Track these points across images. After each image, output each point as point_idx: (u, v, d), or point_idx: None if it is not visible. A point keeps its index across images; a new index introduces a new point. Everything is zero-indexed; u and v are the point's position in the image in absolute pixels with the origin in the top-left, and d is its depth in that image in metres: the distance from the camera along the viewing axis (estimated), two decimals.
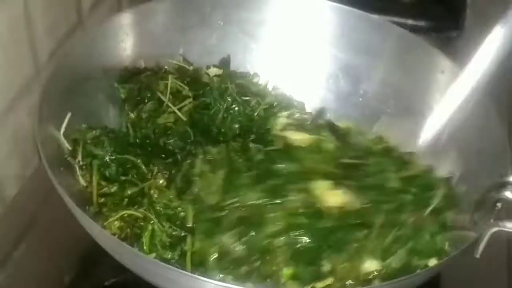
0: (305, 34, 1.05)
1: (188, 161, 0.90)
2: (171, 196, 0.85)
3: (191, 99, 0.97)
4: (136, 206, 0.84)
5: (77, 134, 0.89)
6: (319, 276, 0.79)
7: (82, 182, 0.87)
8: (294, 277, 0.80)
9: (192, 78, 1.00)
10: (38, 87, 0.91)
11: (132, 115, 0.95)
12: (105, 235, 0.76)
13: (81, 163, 0.88)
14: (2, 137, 0.90)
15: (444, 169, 0.91)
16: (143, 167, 0.88)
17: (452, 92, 0.92)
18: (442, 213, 0.85)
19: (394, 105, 1.00)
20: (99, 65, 0.95)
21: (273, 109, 1.00)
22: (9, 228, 0.90)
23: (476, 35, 1.27)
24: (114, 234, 0.82)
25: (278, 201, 0.84)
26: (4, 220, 0.92)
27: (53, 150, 0.83)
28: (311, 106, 1.04)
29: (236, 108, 0.98)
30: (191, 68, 1.02)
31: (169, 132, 0.94)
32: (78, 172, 0.87)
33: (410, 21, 1.24)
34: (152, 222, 0.82)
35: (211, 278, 0.75)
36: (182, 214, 0.84)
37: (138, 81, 0.97)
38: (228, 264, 0.80)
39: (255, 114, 0.99)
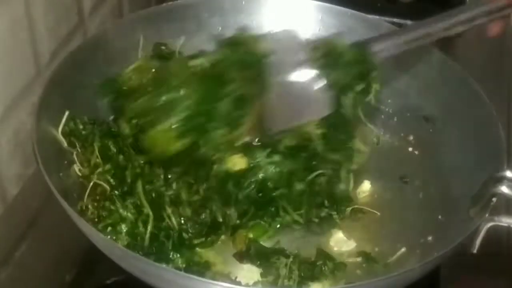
0: (303, 36, 1.04)
1: None
2: None
3: None
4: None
5: (72, 125, 0.89)
6: None
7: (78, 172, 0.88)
8: None
9: None
10: (39, 87, 0.91)
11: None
12: (101, 238, 0.77)
13: (79, 150, 0.89)
14: (3, 136, 0.90)
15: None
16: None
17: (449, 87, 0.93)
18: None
19: (393, 104, 1.00)
20: (98, 73, 0.95)
21: None
22: (10, 228, 0.91)
23: (476, 35, 1.28)
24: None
25: None
26: (5, 219, 0.92)
27: (51, 156, 0.84)
28: None
29: None
30: None
31: None
32: (77, 162, 0.88)
33: (409, 22, 1.24)
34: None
35: (206, 278, 0.76)
36: None
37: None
38: None
39: None
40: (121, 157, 0.88)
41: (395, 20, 1.16)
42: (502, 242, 0.91)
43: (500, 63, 1.19)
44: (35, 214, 0.92)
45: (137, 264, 0.75)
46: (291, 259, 0.83)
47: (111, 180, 0.86)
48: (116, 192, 0.85)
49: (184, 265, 0.83)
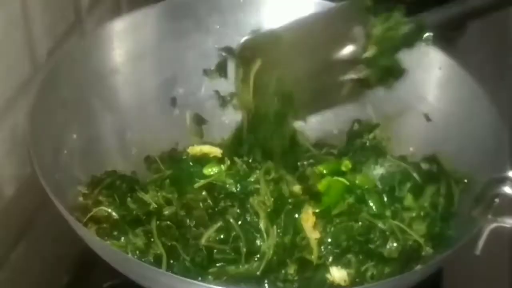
0: None
1: None
2: None
3: None
4: None
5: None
6: None
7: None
8: None
9: None
10: (36, 86, 0.91)
11: None
12: (97, 241, 0.77)
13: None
14: (0, 136, 0.89)
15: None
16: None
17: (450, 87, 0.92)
18: None
19: (394, 103, 1.00)
20: (94, 73, 0.95)
21: None
22: (6, 229, 0.90)
23: (477, 35, 1.28)
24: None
25: None
26: (1, 220, 0.91)
27: (47, 157, 0.83)
28: None
29: None
30: None
31: None
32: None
33: None
34: None
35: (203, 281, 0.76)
36: None
37: None
38: None
39: None
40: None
41: None
42: (505, 244, 0.91)
43: (502, 62, 1.19)
44: (31, 215, 0.92)
45: (133, 268, 0.75)
46: None
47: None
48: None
49: None
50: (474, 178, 0.84)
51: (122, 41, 0.98)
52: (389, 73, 0.86)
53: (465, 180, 0.88)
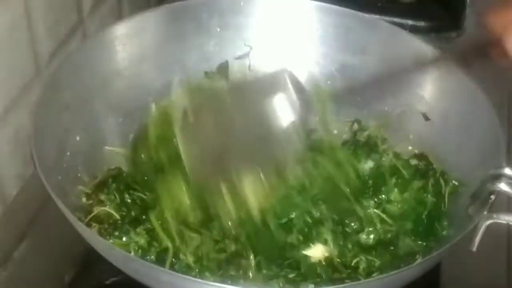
0: (302, 37, 1.05)
1: None
2: None
3: None
4: None
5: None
6: None
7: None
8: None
9: None
10: (39, 87, 0.91)
11: None
12: (99, 239, 0.77)
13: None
14: (3, 136, 0.90)
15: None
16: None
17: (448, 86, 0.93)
18: None
19: (392, 103, 1.00)
20: (97, 75, 0.95)
21: None
22: (9, 228, 0.91)
23: (475, 35, 1.27)
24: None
25: None
26: (4, 219, 0.92)
27: (50, 159, 0.84)
28: None
29: None
30: None
31: None
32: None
33: (409, 22, 1.25)
34: None
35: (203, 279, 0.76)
36: None
37: None
38: None
39: None
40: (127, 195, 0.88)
41: (395, 20, 1.16)
42: (501, 240, 0.91)
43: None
44: (35, 214, 0.92)
45: (134, 266, 0.75)
46: None
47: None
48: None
49: None
50: (471, 175, 0.84)
51: (124, 44, 0.98)
52: None
53: (455, 183, 0.89)
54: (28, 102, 0.92)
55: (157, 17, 1.02)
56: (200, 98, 0.90)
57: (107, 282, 0.86)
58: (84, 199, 0.88)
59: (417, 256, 0.84)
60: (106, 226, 0.85)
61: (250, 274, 0.81)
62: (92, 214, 0.86)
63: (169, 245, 0.82)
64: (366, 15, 1.02)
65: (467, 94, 0.91)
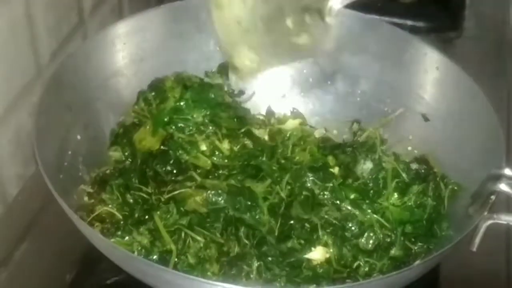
0: None
1: None
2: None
3: None
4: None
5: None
6: None
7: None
8: None
9: None
10: (40, 87, 0.91)
11: None
12: (100, 238, 0.77)
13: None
14: (4, 137, 0.90)
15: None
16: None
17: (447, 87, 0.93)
18: None
19: (392, 103, 1.01)
20: (97, 75, 0.95)
21: None
22: (10, 228, 0.91)
23: (475, 36, 1.28)
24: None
25: None
26: (5, 219, 0.92)
27: (52, 158, 0.84)
28: (310, 107, 1.05)
29: None
30: None
31: None
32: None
33: (409, 22, 1.25)
34: None
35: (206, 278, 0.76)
36: None
37: None
38: None
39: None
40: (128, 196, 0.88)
41: (395, 20, 1.16)
42: (501, 240, 0.92)
43: (500, 62, 1.19)
44: (35, 214, 0.92)
45: (136, 265, 0.75)
46: None
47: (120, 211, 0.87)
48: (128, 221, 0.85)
49: None
50: (471, 176, 0.84)
51: (125, 44, 0.98)
52: None
53: (455, 187, 0.89)
54: (29, 102, 0.92)
55: (158, 16, 1.03)
56: None
57: (108, 282, 0.86)
58: (86, 198, 0.88)
59: (417, 258, 0.84)
60: (108, 225, 0.85)
61: (251, 276, 0.81)
62: (95, 214, 0.86)
63: (173, 247, 0.82)
64: (366, 15, 1.02)
65: (467, 95, 0.91)
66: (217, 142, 0.92)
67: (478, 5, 1.34)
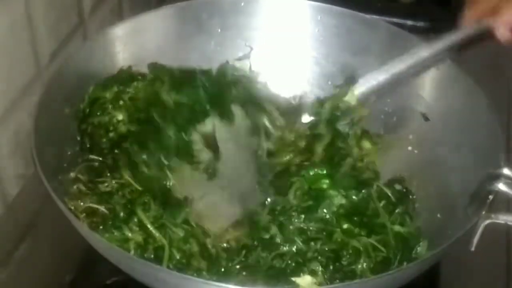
0: (302, 37, 1.05)
1: None
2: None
3: None
4: None
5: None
6: None
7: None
8: None
9: None
10: (40, 87, 0.92)
11: None
12: (98, 239, 0.77)
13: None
14: (4, 137, 0.90)
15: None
16: None
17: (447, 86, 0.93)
18: None
19: (392, 103, 1.01)
20: (97, 76, 0.95)
21: None
22: (10, 228, 0.91)
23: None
24: None
25: None
26: (5, 219, 0.92)
27: (50, 158, 0.84)
28: None
29: None
30: None
31: None
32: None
33: (409, 22, 1.25)
34: None
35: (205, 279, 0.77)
36: None
37: None
38: None
39: None
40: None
41: (395, 20, 1.16)
42: (501, 240, 0.92)
43: (500, 62, 1.19)
44: (35, 214, 0.93)
45: (133, 265, 0.75)
46: None
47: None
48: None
49: None
50: (471, 176, 0.84)
51: (125, 44, 0.99)
52: None
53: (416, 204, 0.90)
54: (28, 102, 0.92)
55: (158, 17, 1.03)
56: None
57: (108, 282, 0.86)
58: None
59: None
60: (98, 220, 0.84)
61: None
62: (83, 207, 0.85)
63: (165, 242, 0.82)
64: (366, 16, 1.02)
65: (467, 95, 0.91)
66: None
67: None
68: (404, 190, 0.92)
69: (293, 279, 0.79)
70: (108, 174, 0.89)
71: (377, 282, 0.73)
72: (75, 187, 0.88)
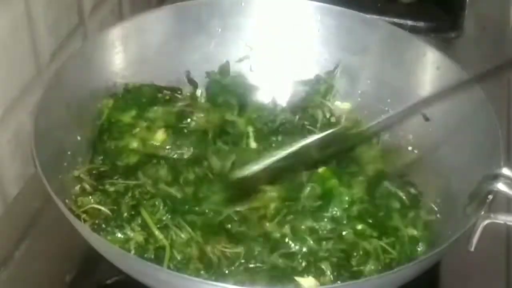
0: (302, 37, 1.05)
1: None
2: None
3: None
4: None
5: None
6: None
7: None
8: None
9: None
10: (40, 87, 0.92)
11: None
12: (98, 239, 0.77)
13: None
14: (3, 137, 0.90)
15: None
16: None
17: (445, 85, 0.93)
18: None
19: (392, 103, 1.00)
20: (97, 76, 0.96)
21: None
22: (10, 228, 0.91)
23: (475, 36, 1.28)
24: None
25: None
26: (5, 220, 0.92)
27: (50, 158, 0.84)
28: None
29: None
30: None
31: None
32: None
33: (409, 22, 1.25)
34: None
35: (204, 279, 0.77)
36: None
37: None
38: None
39: None
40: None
41: (395, 20, 1.16)
42: (501, 240, 0.92)
43: (498, 62, 1.19)
44: (35, 214, 0.92)
45: (133, 265, 0.75)
46: None
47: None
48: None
49: None
50: (470, 176, 0.84)
51: (125, 45, 0.98)
52: None
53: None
54: (28, 102, 0.92)
55: (158, 17, 1.03)
56: None
57: (108, 282, 0.87)
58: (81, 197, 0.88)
59: None
60: (101, 222, 0.85)
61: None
62: (82, 209, 0.86)
63: (166, 242, 0.82)
64: (366, 16, 1.02)
65: (467, 95, 0.91)
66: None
67: (478, 5, 1.34)
68: (417, 193, 0.92)
69: (296, 279, 0.80)
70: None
71: (377, 282, 0.73)
72: (77, 187, 0.88)
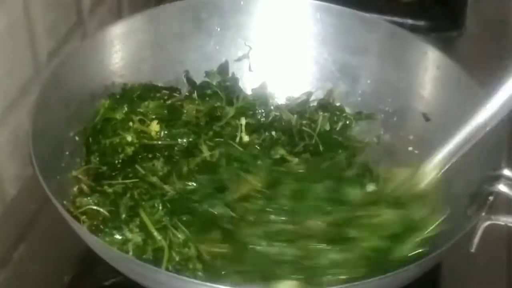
0: (302, 36, 1.05)
1: None
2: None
3: None
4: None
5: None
6: None
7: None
8: None
9: None
10: (38, 87, 0.91)
11: None
12: (95, 240, 0.77)
13: None
14: (2, 137, 0.90)
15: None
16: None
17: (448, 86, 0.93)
18: None
19: (392, 103, 1.00)
20: (96, 75, 0.96)
21: None
22: (9, 228, 0.91)
23: (476, 35, 1.28)
24: None
25: None
26: (4, 220, 0.92)
27: (48, 158, 0.84)
28: None
29: None
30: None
31: None
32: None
33: (410, 21, 1.25)
34: None
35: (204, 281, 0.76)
36: None
37: None
38: None
39: None
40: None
41: (395, 19, 1.16)
42: (501, 241, 0.91)
43: (499, 62, 1.19)
44: (34, 215, 0.92)
45: (132, 267, 0.75)
46: None
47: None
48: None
49: None
50: (469, 176, 0.83)
51: (124, 44, 0.98)
52: None
53: None
54: (27, 102, 0.92)
55: (157, 16, 1.02)
56: None
57: (107, 283, 0.86)
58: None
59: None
60: (99, 223, 0.85)
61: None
62: (80, 210, 0.86)
63: (164, 243, 0.82)
64: (366, 15, 1.02)
65: (467, 95, 0.91)
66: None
67: (479, 5, 1.34)
68: None
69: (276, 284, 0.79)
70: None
71: (377, 283, 0.72)
72: (75, 188, 0.88)
